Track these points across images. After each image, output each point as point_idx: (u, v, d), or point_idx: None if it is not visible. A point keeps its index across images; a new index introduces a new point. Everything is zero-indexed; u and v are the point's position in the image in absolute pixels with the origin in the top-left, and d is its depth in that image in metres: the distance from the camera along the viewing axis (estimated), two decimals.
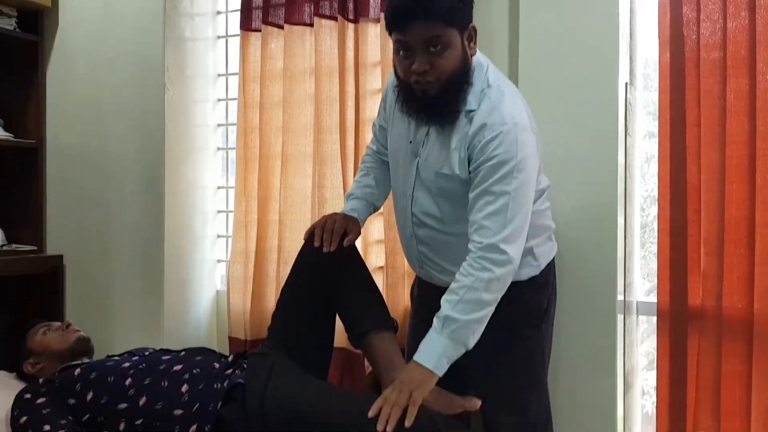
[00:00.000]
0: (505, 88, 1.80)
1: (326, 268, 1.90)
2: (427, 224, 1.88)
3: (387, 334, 1.89)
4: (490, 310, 1.71)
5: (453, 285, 1.72)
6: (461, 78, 1.74)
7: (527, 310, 1.92)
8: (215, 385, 1.80)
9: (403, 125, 1.88)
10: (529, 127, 1.76)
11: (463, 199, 1.79)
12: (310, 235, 1.93)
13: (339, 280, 1.91)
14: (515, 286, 1.80)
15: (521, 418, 1.94)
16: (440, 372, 1.68)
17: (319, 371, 1.93)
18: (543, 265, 1.94)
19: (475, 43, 1.76)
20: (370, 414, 1.61)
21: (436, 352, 1.68)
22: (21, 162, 3.02)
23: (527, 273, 1.89)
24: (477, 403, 1.76)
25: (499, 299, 1.72)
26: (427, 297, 2.01)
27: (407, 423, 1.58)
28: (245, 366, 1.87)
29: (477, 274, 1.68)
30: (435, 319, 1.71)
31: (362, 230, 2.59)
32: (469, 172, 1.76)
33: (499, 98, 1.75)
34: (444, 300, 1.71)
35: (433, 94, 1.73)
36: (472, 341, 1.70)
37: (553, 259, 2.01)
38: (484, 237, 1.69)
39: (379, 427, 1.58)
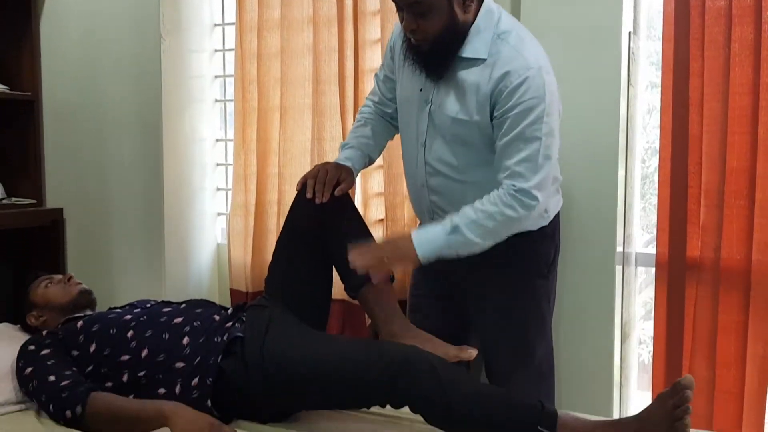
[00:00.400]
0: (524, 33, 1.81)
1: (320, 219, 1.90)
2: (442, 172, 1.88)
3: (383, 285, 1.90)
4: (493, 243, 1.76)
5: (477, 204, 1.74)
6: (450, 38, 1.76)
7: (537, 260, 1.95)
8: (215, 339, 1.82)
9: (412, 73, 1.87)
10: (552, 71, 1.78)
11: (479, 146, 1.81)
12: (302, 186, 1.92)
13: (333, 231, 1.91)
14: (527, 236, 1.84)
15: (527, 365, 1.98)
16: (422, 260, 1.75)
17: (317, 323, 1.94)
18: (552, 217, 1.95)
19: (472, 0, 1.76)
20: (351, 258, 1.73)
21: (432, 245, 1.74)
22: (17, 115, 2.99)
23: (538, 224, 1.91)
24: (473, 352, 1.78)
25: (504, 239, 1.76)
26: None
27: (374, 280, 1.81)
28: (244, 319, 1.88)
29: (502, 209, 1.71)
30: (447, 219, 1.75)
31: (363, 183, 2.61)
32: (492, 119, 1.76)
33: (520, 43, 1.76)
34: (464, 210, 1.74)
35: (425, 49, 1.77)
36: (460, 255, 1.76)
37: (559, 211, 2.01)
38: (518, 182, 1.72)
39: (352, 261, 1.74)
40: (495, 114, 1.75)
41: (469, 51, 1.77)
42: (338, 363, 1.70)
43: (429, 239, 1.75)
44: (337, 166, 1.93)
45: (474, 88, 1.77)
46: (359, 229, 1.97)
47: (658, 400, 1.52)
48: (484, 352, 1.96)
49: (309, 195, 1.88)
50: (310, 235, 1.92)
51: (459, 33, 1.76)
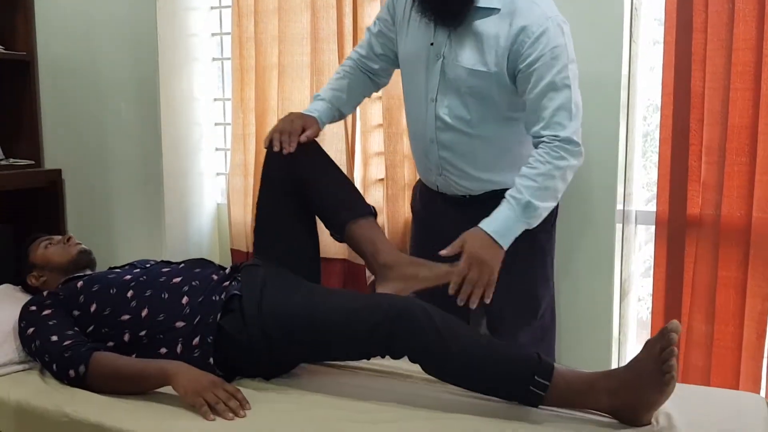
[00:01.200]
0: None
1: (291, 170, 1.90)
2: (454, 127, 1.87)
3: (366, 221, 1.89)
4: (557, 200, 1.77)
5: (527, 171, 1.73)
6: None
7: None
8: (214, 297, 1.82)
9: (421, 28, 1.85)
10: (567, 24, 1.79)
11: (495, 99, 1.81)
12: (270, 142, 1.91)
13: (305, 180, 1.90)
14: None
15: (532, 316, 2.02)
16: (505, 249, 1.73)
17: (310, 275, 1.95)
18: None
19: None
20: (451, 292, 1.68)
21: (512, 233, 1.72)
22: (13, 76, 2.96)
23: None
24: (464, 269, 1.74)
25: (565, 184, 1.77)
26: (434, 209, 2.03)
27: (486, 300, 1.70)
28: (239, 278, 1.89)
29: (555, 162, 1.71)
30: (511, 198, 1.72)
31: (363, 142, 2.59)
32: (517, 74, 1.76)
33: None
34: (522, 186, 1.73)
35: None
36: (535, 225, 1.76)
37: None
38: (558, 131, 1.72)
39: (461, 303, 1.69)
40: (520, 67, 1.75)
41: (483, 1, 1.76)
42: (338, 314, 1.71)
43: (507, 228, 1.72)
44: (300, 116, 1.93)
45: (492, 39, 1.76)
46: (332, 172, 1.96)
47: (645, 347, 1.55)
48: (489, 311, 1.96)
49: (276, 148, 1.87)
50: (285, 187, 1.92)
51: None
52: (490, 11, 1.76)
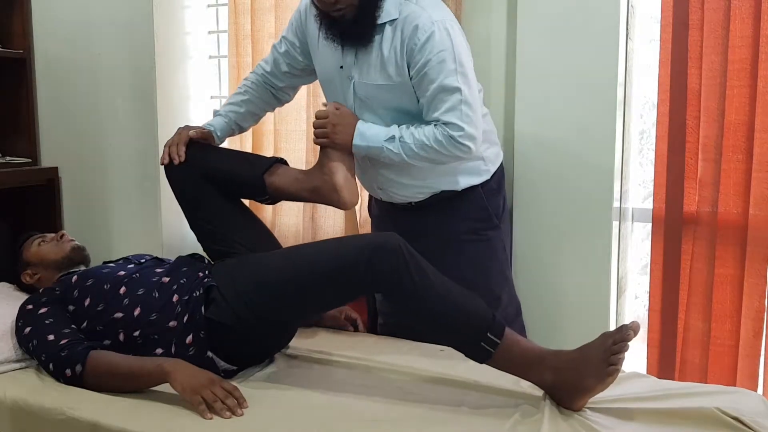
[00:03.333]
0: None
1: (190, 174, 1.96)
2: None
3: (278, 168, 1.96)
4: (418, 164, 1.86)
5: (415, 130, 1.83)
6: (371, 2, 1.80)
7: (488, 215, 2.03)
8: (194, 293, 1.83)
9: (330, 52, 1.91)
10: (457, 25, 1.85)
11: (408, 108, 1.87)
12: (162, 159, 1.98)
13: (207, 173, 1.95)
14: (472, 192, 1.97)
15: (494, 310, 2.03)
16: (353, 151, 1.90)
17: (267, 245, 1.99)
18: (493, 170, 2.04)
19: None
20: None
21: (368, 144, 1.87)
22: (10, 73, 2.96)
23: (480, 179, 2.00)
24: (323, 113, 1.92)
25: (432, 163, 1.86)
26: (386, 216, 2.10)
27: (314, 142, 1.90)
28: (209, 271, 1.91)
29: (433, 144, 1.82)
30: (392, 127, 1.86)
31: None
32: (411, 77, 1.82)
33: (423, 1, 1.82)
34: (405, 129, 1.85)
35: (351, 17, 1.79)
36: (390, 161, 1.88)
37: (502, 163, 2.09)
38: (452, 130, 1.80)
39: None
40: (411, 73, 1.81)
41: (384, 15, 1.81)
42: (315, 257, 1.75)
43: (369, 135, 1.87)
44: (187, 126, 2.01)
45: (390, 50, 1.82)
46: (226, 153, 2.05)
47: (601, 336, 1.60)
48: None
49: (165, 161, 1.96)
50: (197, 191, 1.97)
51: None
52: (390, 23, 1.82)
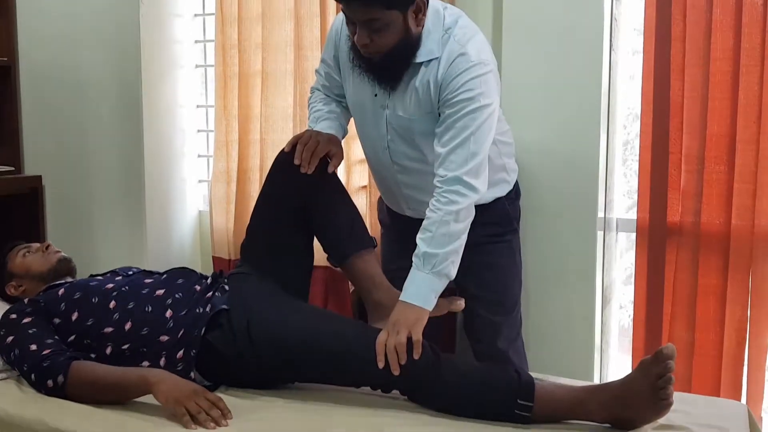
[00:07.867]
0: (468, 28, 1.81)
1: (303, 186, 1.87)
2: (411, 168, 1.91)
3: (367, 255, 1.91)
4: (464, 238, 1.76)
5: (425, 223, 1.76)
6: (404, 49, 1.76)
7: (509, 219, 2.06)
8: (197, 310, 1.81)
9: (364, 79, 1.86)
10: (493, 67, 1.81)
11: None
12: (291, 147, 1.87)
13: (316, 200, 1.89)
14: (498, 201, 1.98)
15: (510, 314, 2.08)
16: (430, 307, 1.72)
17: (299, 291, 1.95)
18: (513, 180, 2.06)
19: (424, 14, 1.75)
20: (380, 365, 1.65)
21: (422, 289, 1.72)
22: None
23: (505, 189, 2.02)
24: (461, 303, 1.85)
25: (469, 224, 1.77)
26: (402, 227, 2.06)
27: (415, 356, 1.65)
28: (226, 288, 1.88)
29: (445, 208, 1.73)
30: (414, 258, 1.74)
31: (346, 149, 2.59)
32: (438, 107, 1.79)
33: (465, 38, 1.78)
34: (419, 239, 1.75)
35: (378, 60, 1.76)
36: (453, 271, 1.75)
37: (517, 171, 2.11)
38: (449, 170, 1.74)
39: (395, 372, 1.65)
40: (440, 102, 1.78)
41: (423, 55, 1.78)
42: (334, 344, 1.72)
43: (415, 288, 1.72)
44: (329, 139, 1.89)
45: (427, 85, 1.79)
46: (343, 198, 1.95)
47: (641, 367, 1.56)
48: (466, 311, 1.98)
49: (297, 161, 1.84)
50: (292, 201, 1.90)
51: (412, 44, 1.76)
52: (430, 62, 1.78)
